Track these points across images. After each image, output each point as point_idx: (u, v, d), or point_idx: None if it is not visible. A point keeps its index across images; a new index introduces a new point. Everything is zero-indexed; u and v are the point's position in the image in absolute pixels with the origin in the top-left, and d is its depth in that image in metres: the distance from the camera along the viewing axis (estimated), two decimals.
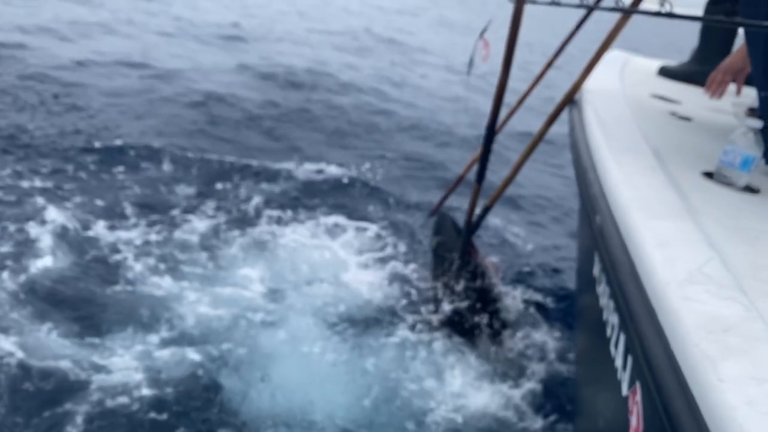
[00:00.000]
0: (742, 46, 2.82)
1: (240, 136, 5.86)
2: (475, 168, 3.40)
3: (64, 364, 2.58)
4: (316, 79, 8.49)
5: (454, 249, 3.42)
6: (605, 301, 1.62)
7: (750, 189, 1.77)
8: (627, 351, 1.36)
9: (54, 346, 2.70)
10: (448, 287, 3.29)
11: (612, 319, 1.52)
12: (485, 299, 3.23)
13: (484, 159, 3.10)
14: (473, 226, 3.27)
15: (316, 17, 15.44)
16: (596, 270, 1.79)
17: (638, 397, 1.24)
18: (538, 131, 2.86)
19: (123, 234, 3.68)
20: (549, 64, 3.46)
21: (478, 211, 3.32)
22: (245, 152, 5.40)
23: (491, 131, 3.01)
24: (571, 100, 2.56)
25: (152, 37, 9.73)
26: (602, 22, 2.85)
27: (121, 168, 4.59)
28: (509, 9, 2.82)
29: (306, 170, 5.21)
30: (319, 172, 5.25)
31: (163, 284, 3.25)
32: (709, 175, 1.84)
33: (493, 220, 4.66)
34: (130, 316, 2.98)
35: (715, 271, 1.23)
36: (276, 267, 3.60)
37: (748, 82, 2.77)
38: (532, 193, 5.67)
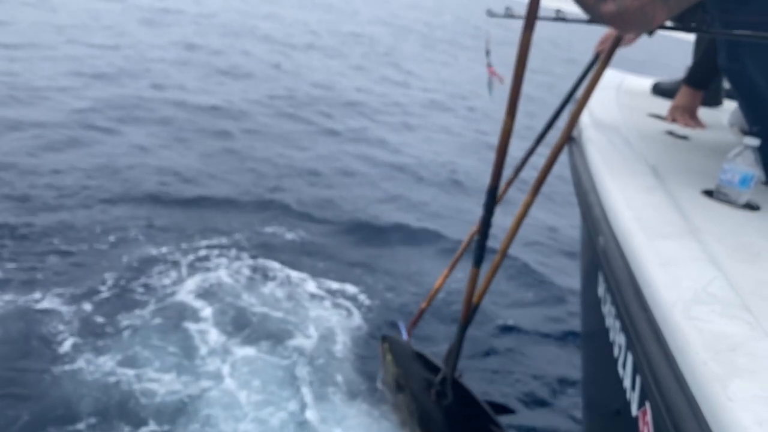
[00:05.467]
0: (684, 87, 2.92)
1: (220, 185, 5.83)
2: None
3: None
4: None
5: (420, 385, 2.74)
6: (611, 321, 1.63)
7: (750, 206, 1.78)
8: (635, 371, 1.36)
9: None
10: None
11: (619, 339, 1.52)
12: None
13: (483, 234, 2.33)
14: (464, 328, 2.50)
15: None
16: (601, 290, 1.79)
17: (648, 417, 1.24)
18: (540, 172, 2.39)
19: (66, 305, 3.51)
20: (566, 101, 2.89)
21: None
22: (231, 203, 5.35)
23: (492, 197, 2.28)
24: (570, 136, 2.41)
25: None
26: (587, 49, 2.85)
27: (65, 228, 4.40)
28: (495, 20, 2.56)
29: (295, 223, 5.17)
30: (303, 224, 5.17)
31: (105, 365, 3.10)
32: (708, 193, 1.85)
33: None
34: (79, 401, 2.83)
35: (719, 290, 1.24)
36: (238, 331, 3.55)
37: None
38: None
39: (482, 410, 2.62)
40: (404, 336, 3.30)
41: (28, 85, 7.81)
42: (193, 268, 4.12)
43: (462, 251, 3.13)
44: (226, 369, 3.20)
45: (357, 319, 3.90)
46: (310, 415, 2.95)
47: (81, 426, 2.72)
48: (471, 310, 2.39)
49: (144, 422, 2.77)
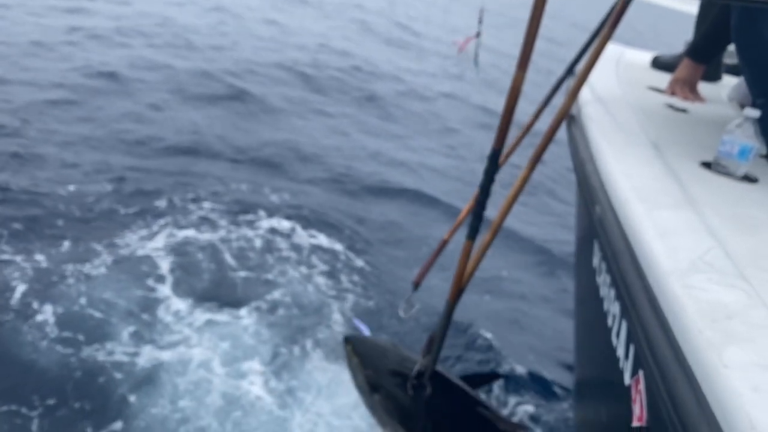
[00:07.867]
0: (685, 60, 2.86)
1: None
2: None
3: None
4: None
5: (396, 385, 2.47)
6: (606, 290, 1.63)
7: (748, 178, 1.78)
8: (629, 340, 1.36)
9: None
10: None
11: (613, 308, 1.53)
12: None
13: (481, 203, 2.09)
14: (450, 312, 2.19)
15: None
16: (596, 260, 1.79)
17: (641, 385, 1.25)
18: (538, 146, 2.09)
19: (22, 255, 3.31)
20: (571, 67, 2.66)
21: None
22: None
23: (494, 161, 2.04)
24: (568, 113, 2.28)
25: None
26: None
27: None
28: None
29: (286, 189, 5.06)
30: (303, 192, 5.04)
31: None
32: (707, 165, 1.84)
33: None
34: (34, 363, 2.69)
35: (716, 259, 1.24)
36: (211, 292, 3.45)
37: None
38: None
39: (465, 394, 2.45)
40: (365, 332, 3.10)
41: (27, 39, 7.71)
42: (165, 224, 3.97)
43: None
44: (195, 333, 3.07)
45: (342, 281, 3.81)
46: (284, 383, 2.88)
47: (38, 383, 2.59)
48: (460, 291, 2.15)
49: (107, 391, 2.63)
